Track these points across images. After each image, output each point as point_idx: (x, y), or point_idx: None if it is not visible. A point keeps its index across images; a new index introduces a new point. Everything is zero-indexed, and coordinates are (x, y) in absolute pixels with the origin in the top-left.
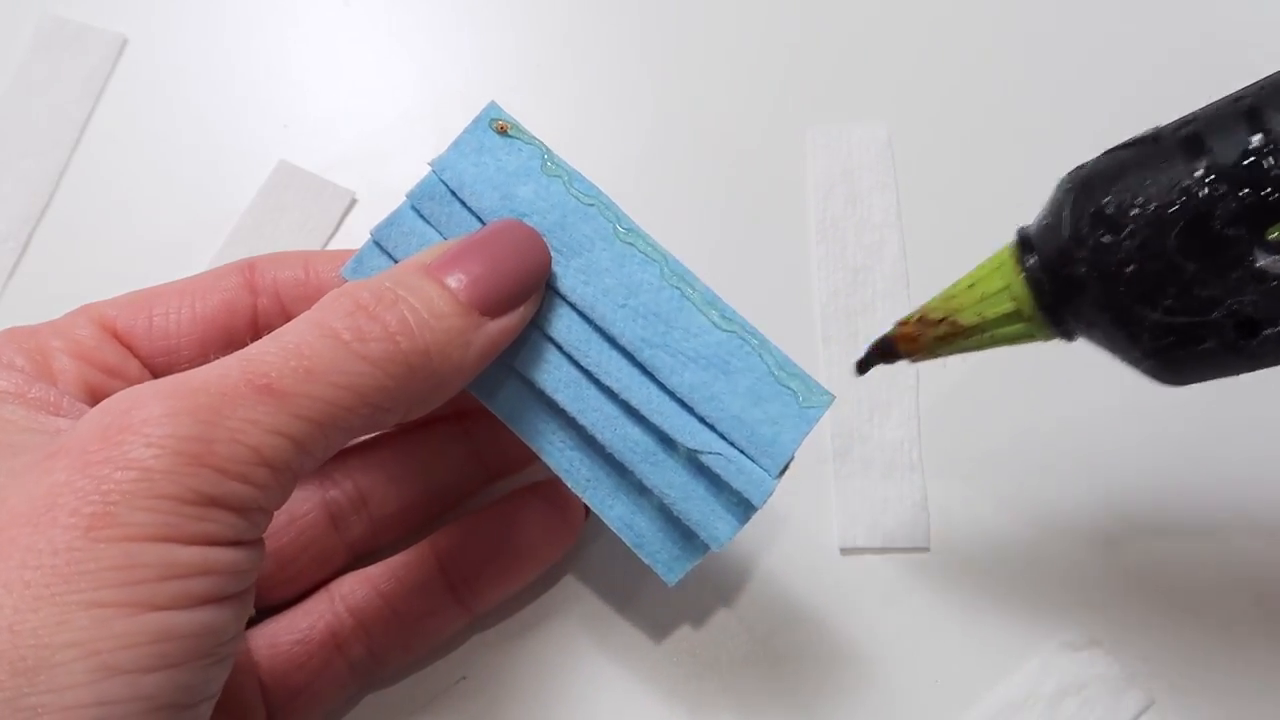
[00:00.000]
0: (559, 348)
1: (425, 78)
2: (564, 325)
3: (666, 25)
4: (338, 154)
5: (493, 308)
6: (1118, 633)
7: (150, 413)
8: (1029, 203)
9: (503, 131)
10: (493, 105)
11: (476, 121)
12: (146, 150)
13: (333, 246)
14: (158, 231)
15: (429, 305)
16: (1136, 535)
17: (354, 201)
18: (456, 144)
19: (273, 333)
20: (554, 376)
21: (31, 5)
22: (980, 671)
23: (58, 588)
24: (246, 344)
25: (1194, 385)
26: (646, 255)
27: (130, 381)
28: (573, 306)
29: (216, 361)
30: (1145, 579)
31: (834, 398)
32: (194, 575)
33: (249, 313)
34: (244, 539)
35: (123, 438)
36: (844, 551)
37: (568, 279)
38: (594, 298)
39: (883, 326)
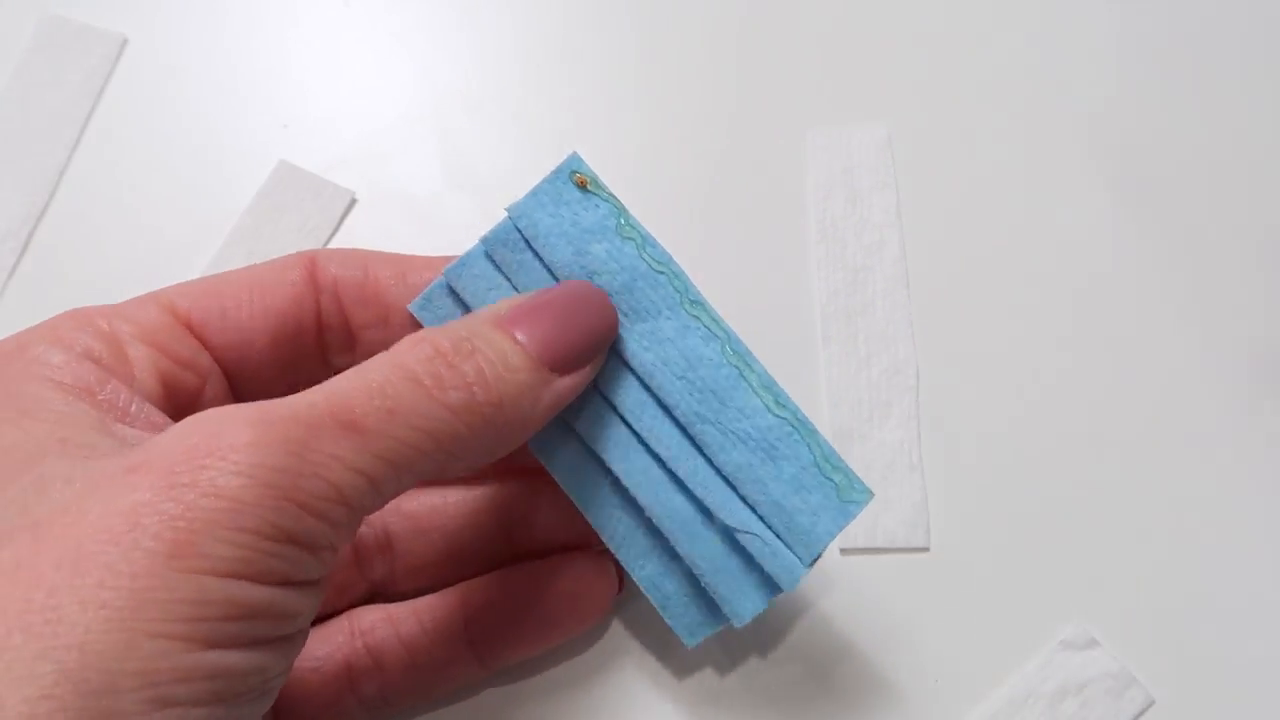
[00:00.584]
0: (613, 408)
1: (425, 78)
2: (621, 387)
3: (666, 26)
4: (338, 154)
5: (560, 365)
6: (1118, 633)
7: (239, 439)
8: (1029, 201)
9: (582, 186)
10: (575, 157)
11: (557, 172)
12: (146, 150)
13: (333, 247)
14: (158, 231)
15: (503, 358)
16: (1137, 535)
17: (354, 201)
18: (535, 192)
19: (354, 369)
20: (605, 435)
21: (31, 5)
22: (980, 671)
23: (131, 614)
24: (314, 342)
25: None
26: (709, 330)
27: (203, 375)
28: (632, 370)
29: (302, 392)
30: (1145, 579)
31: (873, 495)
32: (258, 617)
33: (314, 309)
34: (310, 578)
35: (209, 462)
36: (844, 552)
37: (631, 343)
38: (654, 365)
39: (883, 326)
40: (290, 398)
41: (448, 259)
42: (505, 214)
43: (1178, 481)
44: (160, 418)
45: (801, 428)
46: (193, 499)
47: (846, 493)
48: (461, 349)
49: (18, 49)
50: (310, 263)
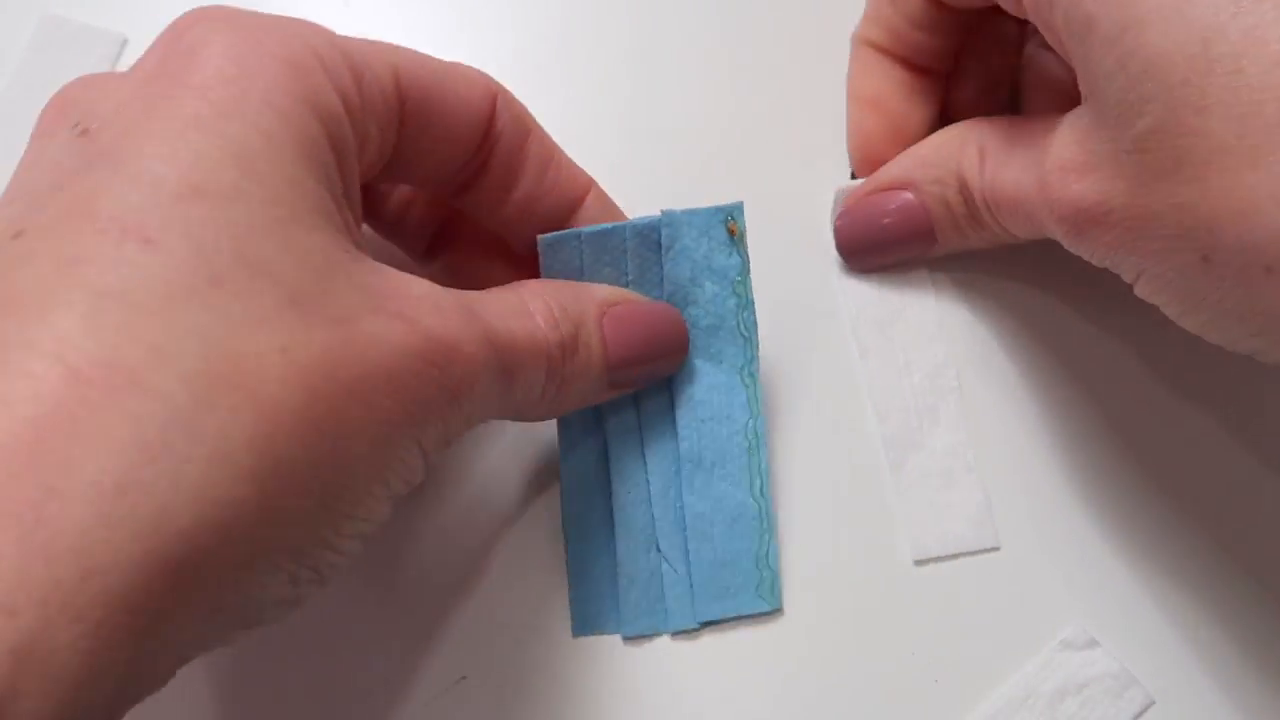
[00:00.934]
0: (636, 405)
1: None
2: (655, 396)
3: (667, 26)
4: None
5: (618, 378)
6: (1118, 633)
7: (475, 352)
8: None
9: (731, 233)
10: (740, 206)
11: (719, 210)
12: None
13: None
14: None
15: (589, 364)
16: (1137, 535)
17: None
18: (692, 213)
19: (519, 303)
20: (615, 420)
21: (31, 5)
22: (980, 671)
23: (379, 463)
24: (454, 174)
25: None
26: (749, 405)
27: (373, 171)
28: (671, 390)
29: (500, 306)
30: (1145, 578)
31: (780, 609)
32: (409, 487)
33: (476, 145)
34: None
35: (457, 360)
36: (917, 563)
37: (684, 370)
38: (691, 398)
39: (915, 330)
40: (499, 313)
41: (584, 175)
42: (659, 212)
43: (1179, 481)
44: (358, 221)
45: (765, 521)
46: (436, 391)
47: (763, 591)
48: (571, 346)
49: (18, 49)
50: (493, 99)
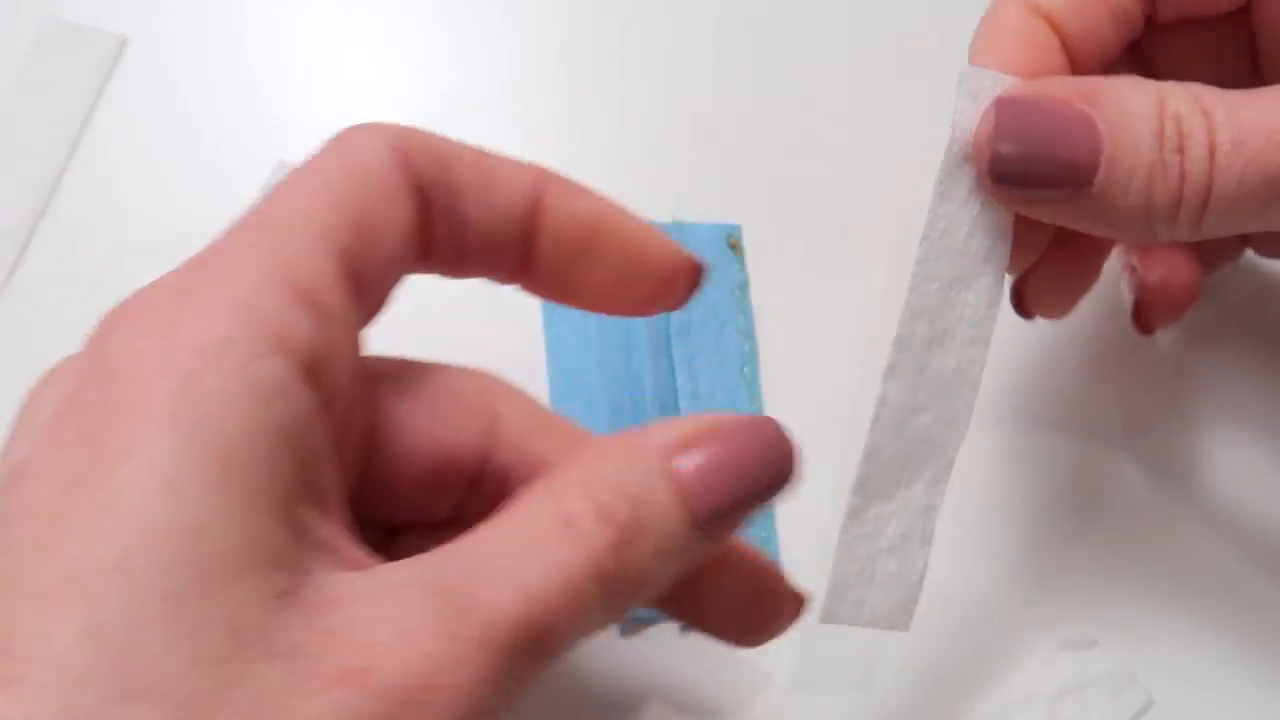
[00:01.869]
0: (638, 399)
1: (425, 78)
2: (654, 389)
3: (668, 27)
4: None
5: (716, 530)
6: (1118, 633)
7: (463, 674)
8: None
9: (733, 247)
10: (738, 227)
11: (721, 226)
12: (146, 150)
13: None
14: (157, 231)
15: (665, 534)
16: (1137, 534)
17: None
18: (701, 227)
19: (536, 527)
20: (620, 417)
21: (31, 5)
22: (980, 671)
23: None
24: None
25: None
26: (748, 399)
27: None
28: (674, 384)
29: (518, 545)
30: (1145, 578)
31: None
32: None
33: (418, 245)
34: None
35: (432, 699)
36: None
37: (685, 365)
38: (692, 393)
39: (954, 370)
40: (505, 562)
41: (527, 171)
42: (671, 218)
43: (1177, 481)
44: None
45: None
46: None
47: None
48: (631, 530)
49: (18, 49)
50: (402, 160)
